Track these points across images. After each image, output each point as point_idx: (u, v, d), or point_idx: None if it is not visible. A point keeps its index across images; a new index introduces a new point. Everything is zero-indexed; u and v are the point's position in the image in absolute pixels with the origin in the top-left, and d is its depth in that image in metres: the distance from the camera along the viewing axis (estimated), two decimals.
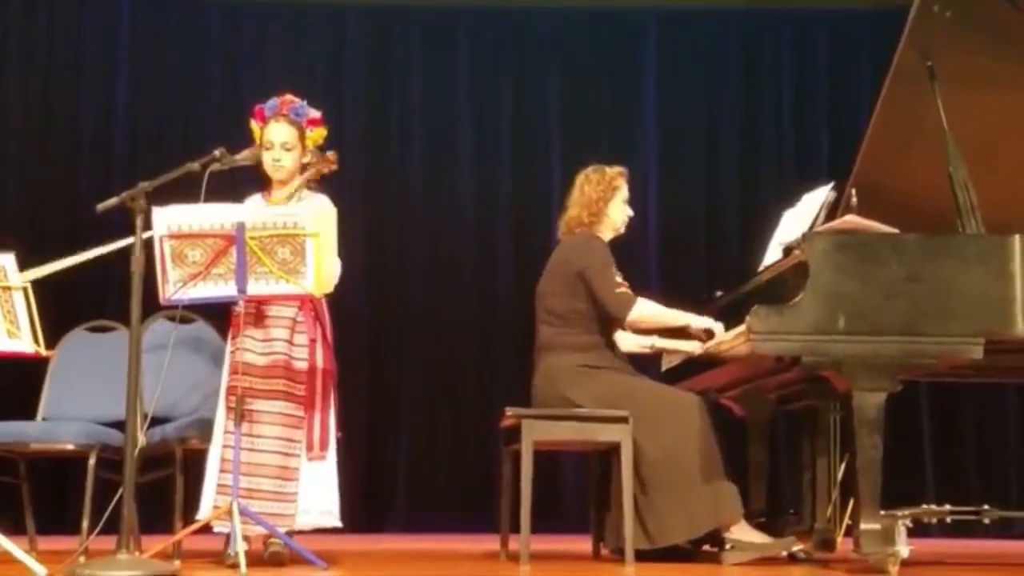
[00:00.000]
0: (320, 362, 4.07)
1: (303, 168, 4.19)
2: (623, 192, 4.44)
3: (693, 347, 4.35)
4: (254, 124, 4.17)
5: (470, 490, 6.86)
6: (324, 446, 4.05)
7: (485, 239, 7.25)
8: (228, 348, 4.09)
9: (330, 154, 4.16)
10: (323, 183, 4.22)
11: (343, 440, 4.17)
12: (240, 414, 3.79)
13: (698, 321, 4.30)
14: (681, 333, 4.40)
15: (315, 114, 4.19)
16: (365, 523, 6.63)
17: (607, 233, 4.43)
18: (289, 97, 4.17)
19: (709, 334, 4.24)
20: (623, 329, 4.37)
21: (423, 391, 7.08)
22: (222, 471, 3.95)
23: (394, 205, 7.25)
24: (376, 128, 7.30)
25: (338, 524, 4.09)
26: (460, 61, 7.38)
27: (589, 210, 4.39)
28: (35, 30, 7.10)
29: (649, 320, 4.31)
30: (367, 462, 6.89)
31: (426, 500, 6.98)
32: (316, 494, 4.03)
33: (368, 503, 6.81)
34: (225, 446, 3.97)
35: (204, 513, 3.97)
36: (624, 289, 4.25)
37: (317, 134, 4.20)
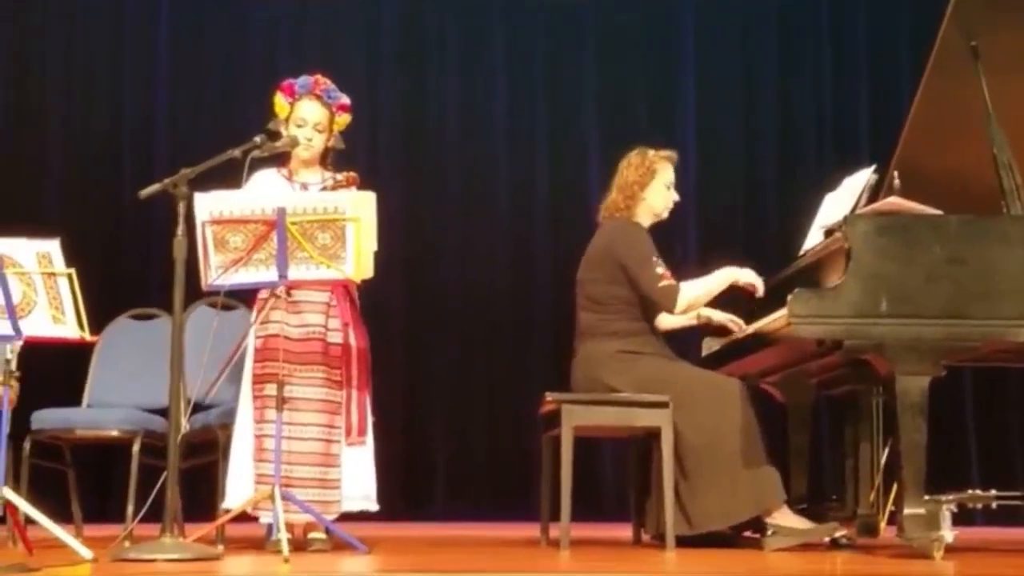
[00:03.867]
0: (355, 345, 4.08)
1: (325, 152, 4.19)
2: (664, 176, 4.37)
3: (736, 321, 4.31)
4: (281, 98, 4.15)
5: (509, 477, 6.86)
6: (362, 431, 4.06)
7: (521, 225, 7.25)
8: (253, 333, 4.09)
9: (352, 174, 4.13)
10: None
11: (378, 425, 4.17)
12: (281, 401, 3.81)
13: (742, 274, 4.26)
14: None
15: (345, 100, 4.19)
16: (404, 511, 6.65)
17: (646, 218, 4.38)
18: (321, 78, 4.17)
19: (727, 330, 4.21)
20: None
21: (460, 379, 7.09)
22: (260, 460, 3.96)
23: (430, 192, 7.26)
24: (412, 116, 7.32)
25: (376, 508, 4.11)
26: (496, 48, 7.38)
27: (625, 193, 4.34)
28: (76, 20, 7.16)
29: (697, 301, 4.27)
30: (406, 450, 6.92)
31: (465, 488, 7.00)
32: (356, 479, 4.05)
33: (407, 491, 6.84)
34: (260, 436, 3.97)
35: (231, 502, 3.99)
36: (668, 281, 4.19)
37: (343, 120, 4.20)
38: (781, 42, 7.43)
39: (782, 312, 3.73)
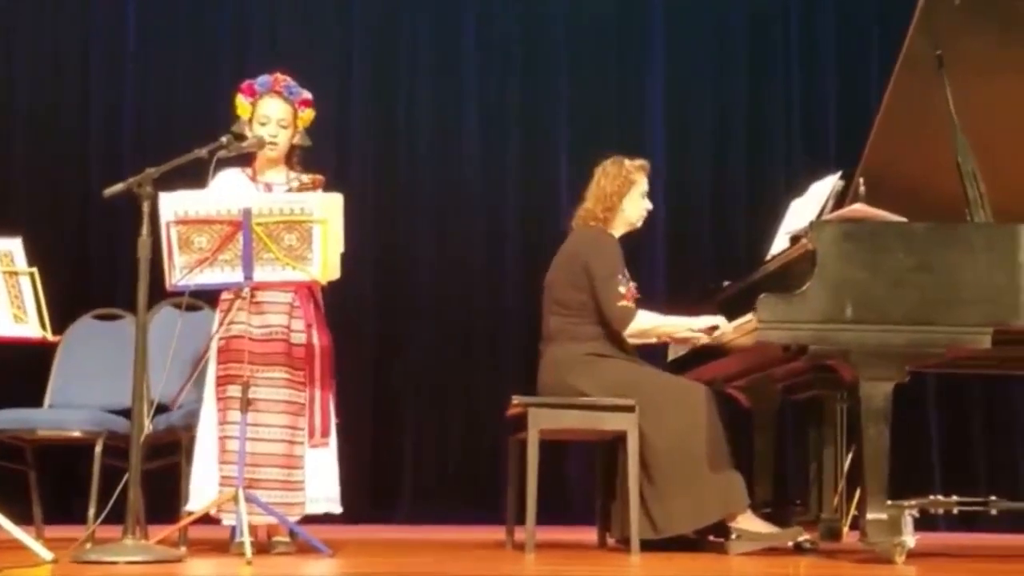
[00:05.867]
0: (318, 346, 4.07)
1: (291, 150, 4.17)
2: (641, 187, 4.38)
3: (699, 335, 4.32)
4: (242, 99, 4.13)
5: (477, 481, 6.85)
6: (325, 432, 4.05)
7: (493, 229, 7.24)
8: (216, 335, 4.07)
9: (318, 176, 4.11)
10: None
11: (342, 427, 4.16)
12: (246, 403, 3.78)
13: (699, 323, 4.26)
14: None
15: (307, 95, 4.18)
16: (370, 513, 6.63)
17: (621, 228, 4.39)
18: (281, 75, 4.16)
19: (713, 330, 4.22)
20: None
21: (430, 381, 7.07)
22: (223, 462, 3.94)
23: (402, 195, 7.23)
24: (383, 119, 7.29)
25: (339, 510, 4.10)
26: (467, 52, 7.36)
27: (603, 204, 4.35)
28: (43, 15, 7.09)
29: (648, 334, 4.28)
30: (373, 452, 6.89)
31: (432, 491, 6.98)
32: (320, 481, 4.03)
33: (374, 493, 6.80)
34: (223, 437, 3.95)
35: (194, 504, 3.97)
36: (626, 302, 4.21)
37: (307, 115, 4.18)
38: (751, 47, 7.45)
39: (748, 317, 3.75)
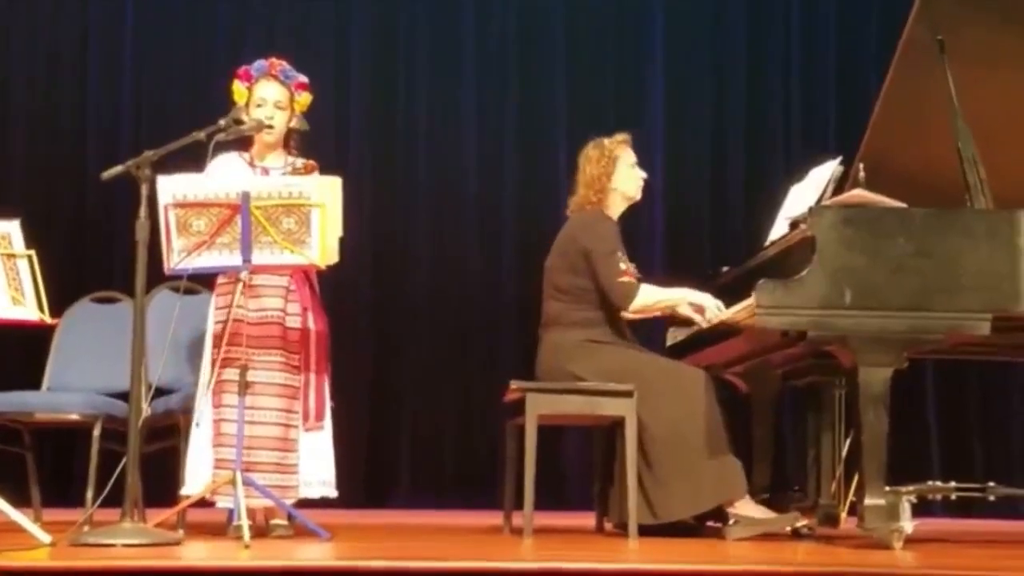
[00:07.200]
0: (314, 330, 4.06)
1: (288, 134, 4.16)
2: (627, 158, 4.37)
3: (700, 320, 4.32)
4: (238, 85, 4.13)
5: (474, 466, 6.85)
6: (320, 416, 4.05)
7: (490, 214, 7.22)
8: (211, 319, 4.07)
9: (311, 162, 4.11)
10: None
11: (338, 411, 4.15)
12: (244, 386, 3.78)
13: (696, 296, 4.24)
14: None
15: (302, 78, 4.17)
16: (367, 498, 6.64)
17: (619, 205, 4.39)
18: (276, 60, 4.16)
19: (702, 310, 4.20)
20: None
21: (428, 366, 7.07)
22: (218, 445, 3.93)
23: (400, 187, 7.22)
24: (381, 108, 7.26)
25: (334, 494, 4.10)
26: (466, 45, 7.33)
27: (594, 188, 4.34)
28: (41, 3, 7.07)
29: (652, 308, 4.27)
30: (370, 437, 6.89)
31: (430, 476, 6.98)
32: (315, 464, 4.03)
33: (371, 478, 6.81)
34: (218, 420, 3.95)
35: (190, 488, 3.96)
36: (628, 278, 4.20)
37: (304, 99, 4.18)
38: (750, 34, 7.43)
39: (748, 302, 3.74)
